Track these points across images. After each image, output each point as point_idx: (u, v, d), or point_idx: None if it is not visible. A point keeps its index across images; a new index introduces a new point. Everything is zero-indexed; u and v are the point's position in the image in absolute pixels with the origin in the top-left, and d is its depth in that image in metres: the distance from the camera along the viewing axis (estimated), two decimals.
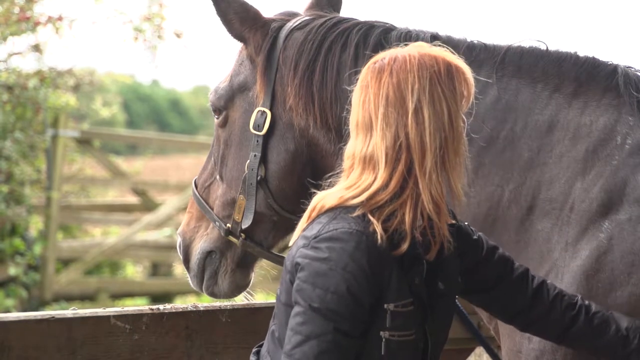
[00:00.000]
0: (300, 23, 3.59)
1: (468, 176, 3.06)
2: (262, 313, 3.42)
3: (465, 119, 2.76)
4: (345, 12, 3.74)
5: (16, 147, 11.09)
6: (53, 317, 3.14)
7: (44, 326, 3.12)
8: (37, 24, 10.51)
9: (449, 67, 2.72)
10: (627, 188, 3.09)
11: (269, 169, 3.57)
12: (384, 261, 2.64)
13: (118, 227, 15.07)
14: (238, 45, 3.70)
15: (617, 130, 3.17)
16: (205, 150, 8.82)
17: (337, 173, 2.80)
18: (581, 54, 3.32)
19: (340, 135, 3.41)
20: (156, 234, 14.85)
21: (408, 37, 3.40)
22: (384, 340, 2.66)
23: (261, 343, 2.87)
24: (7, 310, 10.62)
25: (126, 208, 15.27)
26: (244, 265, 3.73)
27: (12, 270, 11.81)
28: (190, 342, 3.33)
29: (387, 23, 3.53)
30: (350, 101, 2.79)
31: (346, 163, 2.76)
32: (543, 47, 3.34)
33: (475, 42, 3.41)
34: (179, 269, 11.99)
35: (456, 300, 3.12)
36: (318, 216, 2.71)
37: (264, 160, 3.56)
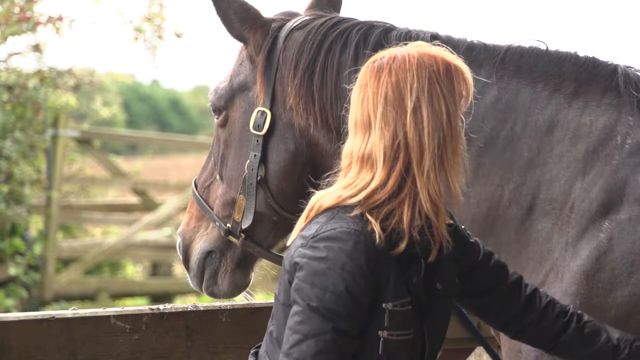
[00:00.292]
0: (300, 23, 3.59)
1: (467, 176, 3.06)
2: (262, 313, 3.42)
3: (464, 119, 2.76)
4: (345, 12, 3.74)
5: (16, 147, 11.09)
6: (53, 317, 3.14)
7: (44, 326, 3.11)
8: (37, 24, 10.51)
9: (448, 67, 2.72)
10: (627, 188, 3.09)
11: (269, 169, 3.57)
12: (382, 260, 2.65)
13: (118, 227, 15.07)
14: (238, 45, 3.70)
15: (617, 130, 3.17)
16: (205, 150, 8.81)
17: (335, 172, 2.80)
18: (581, 54, 3.32)
19: (340, 135, 3.41)
20: (156, 234, 14.85)
21: (408, 37, 3.40)
22: (382, 339, 2.66)
23: (259, 344, 2.87)
24: (7, 310, 10.62)
25: (126, 208, 15.26)
26: (244, 265, 3.73)
27: (12, 270, 11.80)
28: (190, 342, 3.33)
29: (387, 23, 3.54)
30: (350, 100, 2.79)
31: (344, 162, 2.76)
32: (543, 47, 3.34)
33: (475, 42, 3.41)
34: (179, 269, 11.99)
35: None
36: (316, 216, 2.71)
37: (264, 160, 3.56)
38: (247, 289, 3.79)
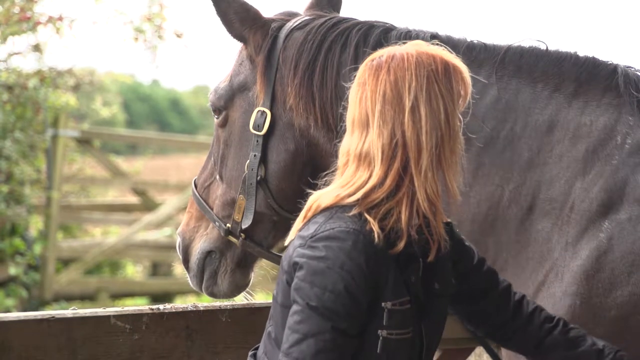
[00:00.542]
0: (300, 23, 3.59)
1: (465, 175, 3.07)
2: (262, 313, 3.42)
3: (462, 118, 2.77)
4: (345, 12, 3.74)
5: (16, 147, 11.09)
6: (53, 317, 3.14)
7: (44, 326, 3.11)
8: (37, 23, 10.50)
9: (447, 66, 2.72)
10: (627, 188, 3.09)
11: (269, 169, 3.57)
12: (381, 260, 2.65)
13: (118, 227, 15.07)
14: (238, 45, 3.70)
15: (617, 130, 3.17)
16: (205, 150, 8.82)
17: (332, 171, 2.80)
18: (581, 54, 3.32)
19: (340, 135, 3.41)
20: (156, 234, 14.85)
21: (408, 36, 3.40)
22: (381, 338, 2.67)
23: (257, 345, 2.88)
24: (7, 310, 10.61)
25: (126, 208, 15.26)
26: (244, 265, 3.73)
27: (12, 270, 11.80)
28: (190, 342, 3.33)
29: (387, 23, 3.54)
30: (347, 98, 2.80)
31: (340, 160, 2.76)
32: (543, 47, 3.35)
33: (475, 42, 3.41)
34: (179, 269, 11.99)
35: None
36: (314, 216, 2.72)
37: (263, 160, 3.56)
38: (247, 289, 3.79)
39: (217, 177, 3.72)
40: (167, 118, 37.66)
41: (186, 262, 3.78)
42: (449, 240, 2.77)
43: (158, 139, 17.31)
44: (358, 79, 2.76)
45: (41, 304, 12.44)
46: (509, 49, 3.35)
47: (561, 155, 3.20)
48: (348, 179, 2.72)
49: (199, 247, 3.73)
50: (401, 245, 2.67)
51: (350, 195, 2.69)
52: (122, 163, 15.65)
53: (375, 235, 2.63)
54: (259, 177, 3.56)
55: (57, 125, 12.66)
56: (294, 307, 2.64)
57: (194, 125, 35.79)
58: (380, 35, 3.46)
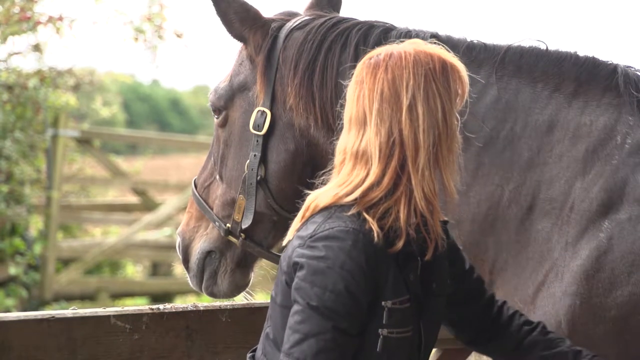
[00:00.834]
0: (300, 23, 3.59)
1: (462, 174, 3.08)
2: (262, 313, 3.41)
3: (460, 117, 2.77)
4: (345, 12, 3.74)
5: (16, 146, 11.09)
6: (53, 317, 3.14)
7: (44, 326, 3.11)
8: (37, 23, 10.50)
9: (444, 65, 2.72)
10: (627, 188, 3.09)
11: (269, 169, 3.57)
12: (381, 259, 2.65)
13: (118, 227, 15.07)
14: (238, 45, 3.70)
15: (617, 130, 3.17)
16: (205, 150, 8.81)
17: (329, 170, 2.81)
18: (581, 54, 3.32)
19: None
20: (156, 234, 14.85)
21: (408, 36, 3.40)
22: (381, 337, 2.67)
23: (255, 347, 2.88)
24: (7, 310, 10.61)
25: (126, 208, 15.26)
26: (244, 265, 3.73)
27: (12, 270, 11.80)
28: (190, 342, 3.33)
29: (387, 23, 3.54)
30: (345, 96, 2.80)
31: (337, 158, 2.77)
32: (543, 47, 3.35)
33: (475, 42, 3.41)
34: (178, 268, 11.98)
35: None
36: (312, 216, 2.72)
37: (263, 160, 3.56)
38: (247, 289, 3.79)
39: (217, 177, 3.72)
40: (167, 118, 37.66)
41: (186, 262, 3.78)
42: (445, 239, 2.78)
43: (158, 139, 17.31)
44: (355, 77, 2.76)
45: (41, 304, 12.44)
46: (508, 49, 3.35)
47: (561, 155, 3.20)
48: (345, 178, 2.72)
49: (198, 247, 3.73)
50: (400, 244, 2.67)
51: (348, 195, 2.69)
52: (122, 163, 15.64)
53: (375, 235, 2.64)
54: (259, 177, 3.56)
55: (57, 125, 12.66)
56: (295, 307, 2.64)
57: (194, 125, 35.79)
58: (380, 35, 3.46)
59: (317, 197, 2.74)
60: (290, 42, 3.55)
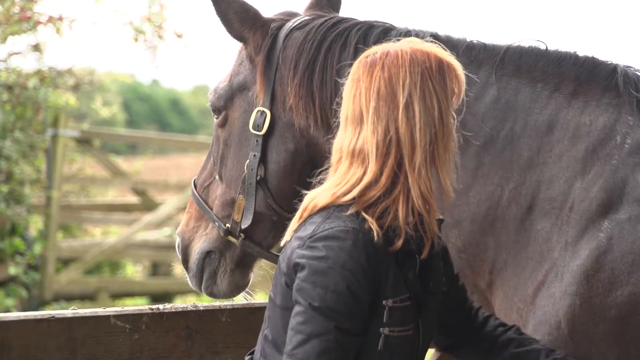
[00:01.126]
0: (300, 23, 3.59)
1: (464, 175, 3.08)
2: (262, 313, 3.41)
3: (456, 116, 2.78)
4: (345, 12, 3.74)
5: (16, 146, 11.09)
6: (53, 316, 3.14)
7: (44, 326, 3.12)
8: (37, 23, 10.51)
9: (441, 63, 2.73)
10: (627, 187, 3.09)
11: (269, 169, 3.57)
12: (381, 258, 2.66)
13: (118, 227, 15.07)
14: (238, 45, 3.70)
15: (617, 130, 3.17)
16: (205, 150, 8.81)
17: (326, 169, 2.81)
18: (581, 53, 3.32)
19: None
20: (156, 234, 14.85)
21: (407, 36, 3.39)
22: (383, 336, 2.67)
23: (253, 349, 2.88)
24: (7, 310, 10.62)
25: (126, 208, 15.26)
26: (243, 265, 3.73)
27: (12, 270, 11.80)
28: (190, 342, 3.34)
29: (386, 23, 3.54)
30: (342, 94, 2.80)
31: (334, 156, 2.77)
32: (542, 47, 3.35)
33: (475, 42, 3.41)
34: (178, 268, 11.98)
35: None
36: (310, 216, 2.72)
37: (263, 160, 3.56)
38: (247, 289, 3.79)
39: (217, 177, 3.72)
40: (167, 118, 37.66)
41: (185, 262, 3.78)
42: (441, 237, 2.80)
43: (158, 138, 17.30)
44: (352, 75, 2.77)
45: (41, 304, 12.44)
46: (508, 49, 3.36)
47: (561, 155, 3.20)
48: (341, 177, 2.72)
49: (198, 247, 3.73)
50: (400, 243, 2.68)
51: (345, 194, 2.69)
52: (122, 163, 15.65)
53: (375, 234, 2.64)
54: (258, 177, 3.56)
55: (57, 125, 12.66)
56: (297, 308, 2.64)
57: (194, 125, 35.79)
58: (379, 35, 3.46)
59: (314, 198, 2.74)
60: (290, 42, 3.55)
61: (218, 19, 3.63)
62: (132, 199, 15.30)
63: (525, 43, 3.37)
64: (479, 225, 3.25)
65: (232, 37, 3.65)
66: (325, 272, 2.61)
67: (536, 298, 3.13)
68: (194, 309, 3.36)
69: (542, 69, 3.31)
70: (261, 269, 3.85)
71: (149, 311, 3.29)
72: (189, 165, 19.65)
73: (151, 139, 16.88)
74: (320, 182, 2.80)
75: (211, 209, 3.71)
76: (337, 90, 3.44)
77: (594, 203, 3.10)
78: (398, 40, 2.81)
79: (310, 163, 3.54)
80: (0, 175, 11.15)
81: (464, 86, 2.77)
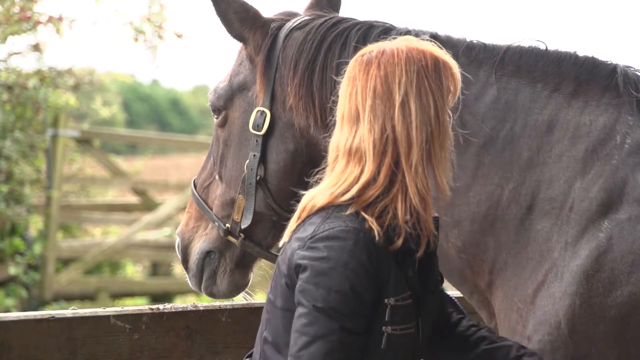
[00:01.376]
0: (299, 23, 3.59)
1: (461, 174, 3.09)
2: (261, 313, 3.42)
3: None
4: (345, 12, 3.74)
5: (16, 146, 11.09)
6: (53, 316, 3.14)
7: (44, 326, 3.12)
8: (37, 23, 10.51)
9: (437, 62, 2.73)
10: (627, 187, 3.09)
11: (269, 169, 3.57)
12: (382, 257, 2.66)
13: (118, 227, 15.07)
14: (238, 45, 3.70)
15: (617, 130, 3.17)
16: (205, 150, 8.79)
17: (323, 168, 2.81)
18: (581, 53, 3.32)
19: None
20: (156, 234, 14.86)
21: None
22: (386, 334, 2.68)
23: (251, 351, 2.87)
24: (7, 310, 10.62)
25: (126, 208, 15.27)
26: (243, 265, 3.73)
27: (12, 270, 11.81)
28: (190, 342, 3.34)
29: (386, 23, 3.54)
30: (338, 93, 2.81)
31: (330, 155, 2.77)
32: (542, 47, 3.35)
33: (475, 41, 3.41)
34: (178, 268, 11.99)
35: (457, 301, 3.14)
36: (309, 216, 2.72)
37: (263, 160, 3.56)
38: (247, 289, 3.79)
39: (217, 177, 3.72)
40: (167, 118, 37.66)
41: (185, 262, 3.78)
42: (437, 235, 2.80)
43: (158, 138, 17.31)
44: (348, 74, 2.77)
45: (41, 304, 12.44)
46: (508, 49, 3.36)
47: (561, 155, 3.20)
48: (338, 176, 2.72)
49: (198, 247, 3.73)
50: (400, 241, 2.68)
51: (344, 193, 2.69)
52: (122, 163, 15.65)
53: (376, 233, 2.64)
54: (258, 177, 3.56)
55: (57, 125, 12.67)
56: (300, 310, 2.64)
57: (194, 125, 35.79)
58: (379, 35, 3.46)
59: (312, 198, 2.74)
60: (290, 42, 3.55)
61: (218, 19, 3.63)
62: (132, 199, 15.31)
63: (525, 43, 3.37)
64: (479, 225, 3.25)
65: (232, 37, 3.65)
66: (327, 272, 2.61)
67: (536, 298, 3.13)
68: (194, 309, 3.36)
69: (542, 69, 3.31)
70: (261, 269, 3.85)
71: (149, 311, 3.29)
72: (188, 165, 19.65)
73: (151, 139, 16.89)
74: (317, 182, 2.80)
75: (211, 209, 3.71)
76: (337, 90, 3.44)
77: (594, 203, 3.10)
78: (394, 39, 2.81)
79: (310, 163, 3.53)
80: (0, 175, 11.15)
81: (459, 84, 2.78)
